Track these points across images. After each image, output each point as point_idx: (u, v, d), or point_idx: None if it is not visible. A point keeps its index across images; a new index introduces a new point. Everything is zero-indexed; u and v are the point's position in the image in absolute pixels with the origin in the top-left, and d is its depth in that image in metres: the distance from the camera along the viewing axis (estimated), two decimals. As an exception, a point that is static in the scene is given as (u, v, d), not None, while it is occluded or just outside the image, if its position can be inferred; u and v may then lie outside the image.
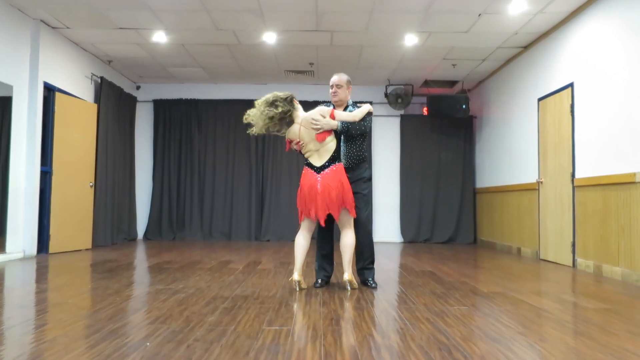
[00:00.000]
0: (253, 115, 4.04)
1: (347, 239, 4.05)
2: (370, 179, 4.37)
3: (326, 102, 4.35)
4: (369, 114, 4.20)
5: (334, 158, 4.03)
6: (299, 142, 4.04)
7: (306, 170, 4.06)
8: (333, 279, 4.53)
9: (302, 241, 4.08)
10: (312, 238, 4.18)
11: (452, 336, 2.68)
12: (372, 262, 4.31)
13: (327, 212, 3.94)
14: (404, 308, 3.40)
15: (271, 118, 3.96)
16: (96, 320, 2.93)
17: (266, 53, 7.54)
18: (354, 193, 4.08)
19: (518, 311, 3.35)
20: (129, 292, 3.91)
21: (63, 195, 6.74)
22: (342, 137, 4.18)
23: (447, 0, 5.60)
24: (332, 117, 4.04)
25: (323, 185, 3.94)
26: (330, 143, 4.04)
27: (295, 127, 4.06)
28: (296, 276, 3.99)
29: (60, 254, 6.52)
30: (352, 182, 4.12)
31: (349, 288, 4.05)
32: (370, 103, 9.27)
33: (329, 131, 4.02)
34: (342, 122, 4.06)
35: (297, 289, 4.00)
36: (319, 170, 4.00)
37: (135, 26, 6.50)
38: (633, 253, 4.68)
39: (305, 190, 4.00)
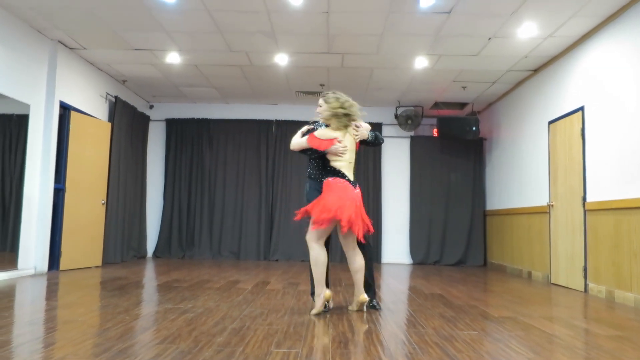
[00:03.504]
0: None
1: (362, 262, 3.98)
2: None
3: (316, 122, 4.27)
4: None
5: (356, 176, 4.07)
6: (346, 147, 3.94)
7: (344, 183, 3.88)
8: (340, 301, 4.51)
9: (323, 255, 3.92)
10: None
11: (461, 361, 2.65)
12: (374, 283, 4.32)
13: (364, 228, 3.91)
14: (413, 332, 3.38)
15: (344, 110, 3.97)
16: (105, 339, 2.94)
17: (278, 74, 7.64)
18: None
19: (529, 337, 3.31)
20: (138, 310, 3.92)
21: (75, 213, 6.81)
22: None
23: (457, 24, 5.67)
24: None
25: (360, 202, 3.95)
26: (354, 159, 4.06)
27: (341, 131, 3.97)
28: (328, 292, 3.94)
29: (70, 271, 6.57)
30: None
31: (365, 309, 4.06)
32: (380, 125, 9.38)
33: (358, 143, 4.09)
34: (370, 132, 4.11)
35: (327, 306, 4.00)
36: (354, 185, 3.95)
37: (150, 47, 6.64)
38: (646, 279, 4.62)
39: (349, 202, 3.82)
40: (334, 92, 4.04)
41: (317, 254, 3.91)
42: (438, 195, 9.34)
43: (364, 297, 3.99)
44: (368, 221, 3.98)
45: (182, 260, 8.74)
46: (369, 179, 9.30)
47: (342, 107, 3.91)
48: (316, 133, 3.97)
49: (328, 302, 3.99)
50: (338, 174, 3.93)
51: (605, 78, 5.44)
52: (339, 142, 3.93)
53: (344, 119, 3.93)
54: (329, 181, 3.93)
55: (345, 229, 3.84)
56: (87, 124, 7.15)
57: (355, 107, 4.00)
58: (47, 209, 6.36)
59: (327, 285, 4.12)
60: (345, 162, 3.95)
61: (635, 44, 4.93)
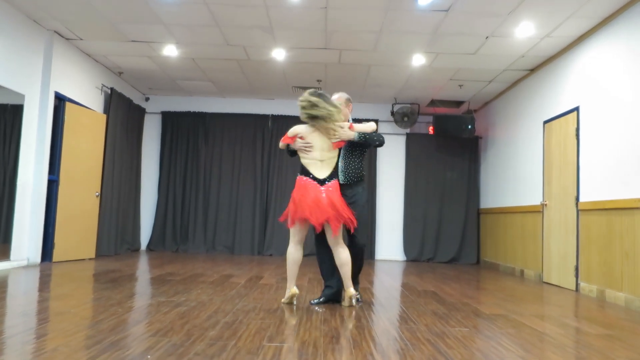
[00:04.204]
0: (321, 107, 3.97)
1: (345, 255, 4.00)
2: (367, 202, 4.32)
3: None
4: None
5: (335, 173, 4.05)
6: (309, 144, 4.00)
7: (306, 181, 3.96)
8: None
9: (297, 256, 4.06)
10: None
11: (452, 358, 2.67)
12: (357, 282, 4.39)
13: (341, 222, 3.92)
14: (405, 328, 3.40)
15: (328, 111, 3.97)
16: (98, 331, 2.94)
17: (275, 69, 7.63)
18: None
19: (520, 334, 3.33)
20: (131, 303, 3.92)
21: (69, 204, 6.78)
22: (341, 153, 4.17)
23: (455, 23, 5.67)
24: (351, 128, 4.08)
25: (328, 199, 3.92)
26: (334, 158, 4.08)
27: (309, 128, 4.04)
28: (296, 289, 4.04)
29: (63, 263, 6.55)
30: (350, 202, 4.07)
31: (354, 303, 4.07)
32: (376, 121, 9.39)
33: (342, 142, 4.08)
34: (360, 133, 4.08)
35: (294, 303, 4.07)
36: (321, 182, 3.97)
37: (147, 39, 6.61)
38: (637, 279, 4.66)
39: (309, 201, 3.89)
40: (315, 90, 4.08)
41: (288, 252, 4.09)
42: (433, 192, 9.36)
43: (350, 291, 4.01)
44: (346, 215, 3.93)
45: (176, 254, 8.73)
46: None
47: (302, 108, 3.99)
48: (289, 131, 4.12)
49: (293, 298, 4.05)
50: (304, 171, 4.02)
51: (600, 79, 5.46)
52: (301, 138, 4.02)
53: (306, 119, 4.00)
54: (297, 179, 4.06)
55: (318, 227, 3.93)
56: (82, 116, 7.11)
57: (319, 109, 3.94)
58: (40, 200, 6.34)
59: (335, 281, 4.17)
60: (312, 160, 4.00)
61: (630, 46, 4.95)
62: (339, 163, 4.15)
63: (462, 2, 5.18)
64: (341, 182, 4.12)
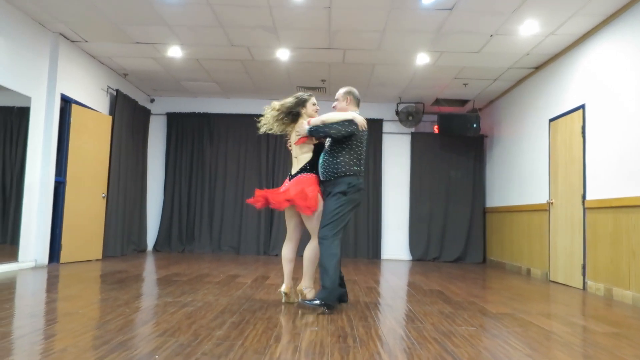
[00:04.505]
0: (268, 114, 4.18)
1: (307, 250, 4.05)
2: (343, 193, 3.91)
3: None
4: (349, 121, 3.96)
5: (305, 169, 4.07)
6: (289, 142, 4.22)
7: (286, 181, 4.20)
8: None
9: (285, 252, 4.19)
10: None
11: (459, 357, 2.67)
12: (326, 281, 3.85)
13: (282, 203, 3.90)
14: (412, 327, 3.40)
15: (277, 110, 4.12)
16: (105, 332, 2.96)
17: (279, 69, 7.64)
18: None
19: (526, 333, 3.33)
20: (138, 303, 3.94)
21: (76, 206, 6.82)
22: (324, 149, 4.12)
23: (459, 21, 5.66)
24: (309, 123, 4.07)
25: (286, 188, 4.01)
26: (307, 154, 4.10)
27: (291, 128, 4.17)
28: (283, 287, 4.12)
29: (71, 264, 6.59)
30: (325, 196, 4.02)
31: (298, 298, 4.09)
32: (381, 120, 9.35)
33: (307, 139, 4.08)
34: (311, 126, 4.00)
35: (283, 301, 4.12)
36: (291, 177, 4.11)
37: (151, 41, 6.63)
38: (644, 277, 4.64)
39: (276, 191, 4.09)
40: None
41: (282, 249, 4.26)
42: (438, 191, 9.35)
43: (300, 286, 4.02)
44: (291, 197, 3.87)
45: (182, 254, 8.76)
46: (369, 175, 9.30)
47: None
48: None
49: (286, 295, 4.11)
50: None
51: (606, 77, 5.44)
52: (288, 139, 4.25)
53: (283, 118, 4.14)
54: None
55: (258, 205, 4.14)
56: (88, 117, 7.15)
57: (269, 110, 4.15)
58: (47, 201, 6.37)
59: (342, 284, 4.15)
60: (293, 158, 4.21)
61: (636, 43, 4.93)
62: (320, 159, 4.10)
63: (465, 1, 5.18)
64: (322, 179, 4.08)
